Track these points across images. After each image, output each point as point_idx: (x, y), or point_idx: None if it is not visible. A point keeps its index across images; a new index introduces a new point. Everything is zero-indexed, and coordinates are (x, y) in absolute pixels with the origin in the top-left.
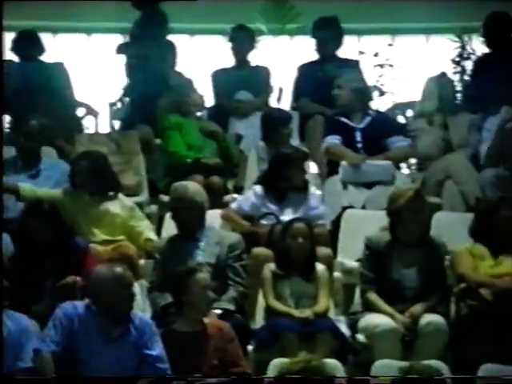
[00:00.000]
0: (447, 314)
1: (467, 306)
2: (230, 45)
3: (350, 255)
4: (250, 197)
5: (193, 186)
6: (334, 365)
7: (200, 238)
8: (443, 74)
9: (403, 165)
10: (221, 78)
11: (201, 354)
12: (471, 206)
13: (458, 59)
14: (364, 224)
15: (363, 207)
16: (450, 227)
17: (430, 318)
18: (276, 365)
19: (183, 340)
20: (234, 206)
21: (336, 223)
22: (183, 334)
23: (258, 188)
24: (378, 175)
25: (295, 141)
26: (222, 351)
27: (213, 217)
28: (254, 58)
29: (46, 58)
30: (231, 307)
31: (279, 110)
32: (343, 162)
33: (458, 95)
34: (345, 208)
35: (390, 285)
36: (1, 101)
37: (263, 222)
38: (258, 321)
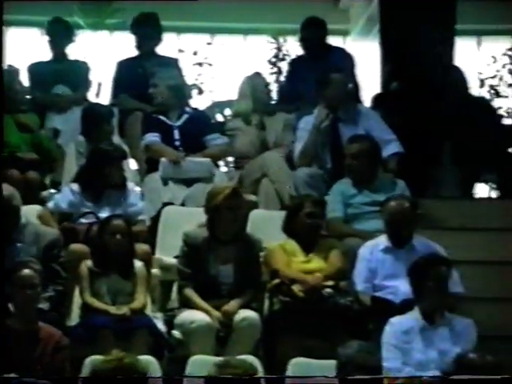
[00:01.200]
0: (261, 310)
1: (280, 302)
2: (46, 38)
3: (168, 252)
4: (67, 195)
5: (7, 189)
6: (148, 361)
7: (17, 237)
8: (257, 74)
9: (222, 163)
10: (37, 71)
11: (28, 355)
12: (285, 204)
13: (274, 60)
14: (183, 221)
15: (183, 204)
16: (266, 224)
17: (245, 314)
18: (90, 362)
19: (15, 337)
20: (51, 204)
21: (156, 220)
22: (14, 330)
23: (75, 185)
24: (197, 172)
25: (116, 137)
26: (49, 357)
27: (29, 213)
28: (73, 51)
29: None
30: (45, 307)
31: (101, 105)
32: (163, 159)
33: (274, 95)
34: (164, 205)
35: (206, 281)
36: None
37: (82, 220)
38: (74, 318)
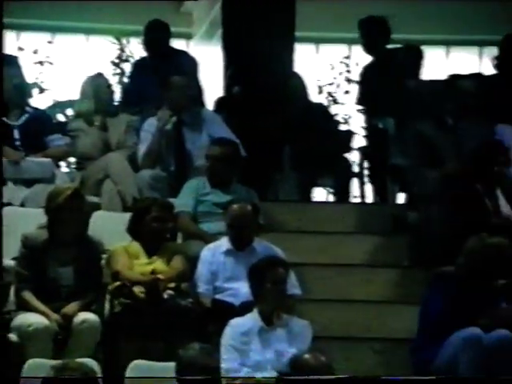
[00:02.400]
0: (102, 312)
1: (120, 304)
2: None
3: (7, 253)
4: None
5: None
6: None
7: None
8: (99, 75)
9: (63, 163)
10: None
11: None
12: (128, 206)
13: (116, 61)
14: (23, 222)
15: (22, 205)
16: (108, 226)
17: (84, 316)
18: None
19: None
20: None
21: None
22: None
23: None
24: (37, 173)
25: None
26: None
27: None
28: None
29: None
30: None
31: None
32: (2, 159)
33: (117, 96)
34: (3, 205)
35: (45, 283)
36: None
37: None
38: None
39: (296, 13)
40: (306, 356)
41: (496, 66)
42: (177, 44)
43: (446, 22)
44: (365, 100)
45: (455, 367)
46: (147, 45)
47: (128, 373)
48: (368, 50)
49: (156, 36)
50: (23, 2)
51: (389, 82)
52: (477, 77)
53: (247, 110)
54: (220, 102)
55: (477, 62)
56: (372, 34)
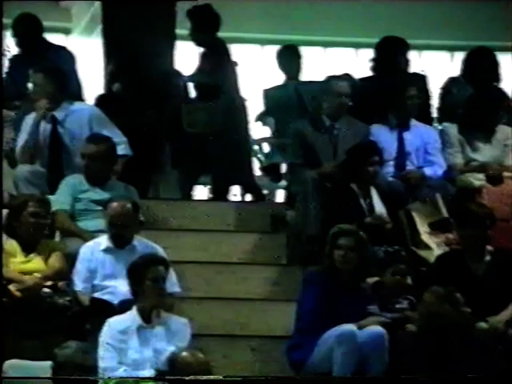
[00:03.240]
0: None
1: None
2: None
3: None
4: None
5: None
6: None
7: None
8: None
9: None
10: None
11: None
12: (3, 203)
13: None
14: None
15: None
16: None
17: None
18: None
19: None
20: None
21: None
22: None
23: None
24: None
25: None
26: None
27: None
28: None
29: None
30: None
31: None
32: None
33: None
34: None
35: None
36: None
37: None
38: None
39: (177, 10)
40: (184, 354)
41: (372, 68)
42: (55, 39)
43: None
44: None
45: (329, 363)
46: (16, 39)
47: (4, 372)
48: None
49: (25, 30)
50: None
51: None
52: (352, 78)
53: (127, 107)
54: (101, 99)
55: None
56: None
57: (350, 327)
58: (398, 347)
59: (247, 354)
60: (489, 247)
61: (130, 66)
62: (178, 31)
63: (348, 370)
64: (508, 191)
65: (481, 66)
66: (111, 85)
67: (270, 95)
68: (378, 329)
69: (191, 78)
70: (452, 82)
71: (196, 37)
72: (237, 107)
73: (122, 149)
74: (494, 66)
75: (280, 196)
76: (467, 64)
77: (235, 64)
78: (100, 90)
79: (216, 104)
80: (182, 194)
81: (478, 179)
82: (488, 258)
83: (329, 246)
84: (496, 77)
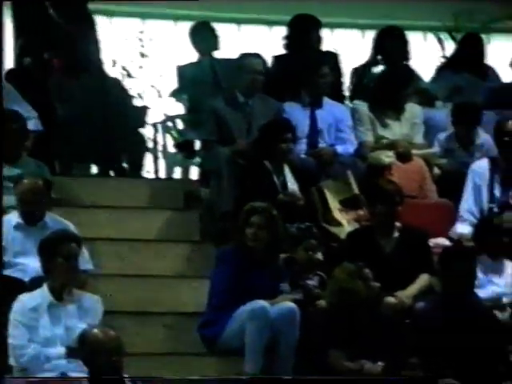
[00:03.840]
0: None
1: None
2: None
3: None
4: None
5: None
6: None
7: None
8: None
9: None
10: None
11: None
12: None
13: None
14: None
15: None
16: None
17: None
18: None
19: None
20: None
21: None
22: None
23: None
24: None
25: None
26: None
27: None
28: None
29: None
30: None
31: None
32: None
33: None
34: None
35: None
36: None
37: None
38: None
39: None
40: (95, 331)
41: (285, 46)
42: None
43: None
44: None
45: (241, 339)
46: None
47: None
48: None
49: None
50: None
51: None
52: (265, 55)
53: (37, 82)
54: (10, 74)
55: None
56: None
57: (261, 303)
58: (309, 323)
59: (159, 331)
60: (397, 224)
61: (40, 41)
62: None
63: (259, 346)
64: (416, 168)
65: (391, 45)
66: (21, 59)
67: (184, 72)
68: (290, 305)
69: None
70: (363, 60)
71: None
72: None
73: (33, 124)
74: (404, 44)
75: (193, 173)
76: (378, 43)
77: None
78: (10, 64)
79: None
80: (96, 170)
81: (387, 156)
82: (396, 234)
83: (241, 224)
84: (405, 55)
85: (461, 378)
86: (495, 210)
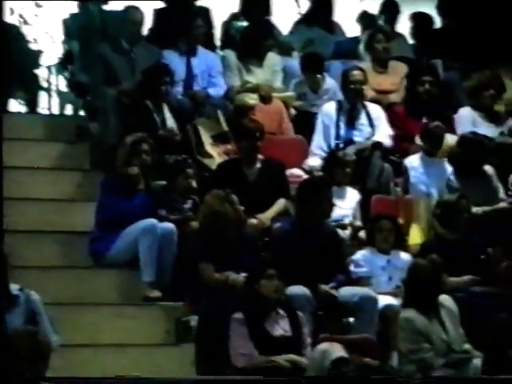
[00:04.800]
0: None
1: None
2: None
3: None
4: None
5: None
6: None
7: None
8: None
9: None
10: None
11: None
12: None
13: None
14: None
15: None
16: None
17: None
18: None
19: None
20: None
21: None
22: None
23: None
24: None
25: None
26: None
27: None
28: None
29: None
30: None
31: None
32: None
33: None
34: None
35: None
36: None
37: None
38: None
39: None
40: None
41: (165, 1)
42: None
43: None
44: None
45: (129, 255)
46: None
47: None
48: None
49: None
50: None
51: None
52: (147, 9)
53: None
54: None
55: None
56: None
57: (152, 221)
58: (185, 241)
59: (53, 248)
60: (260, 156)
61: None
62: None
63: (152, 258)
64: (276, 109)
65: (254, 1)
66: None
67: (73, 19)
68: (170, 225)
69: None
70: (231, 15)
71: None
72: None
73: None
74: (265, 1)
75: (84, 110)
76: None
77: None
78: None
79: None
80: None
81: (251, 98)
82: (259, 165)
83: (125, 154)
84: (266, 11)
85: (309, 283)
86: (341, 145)
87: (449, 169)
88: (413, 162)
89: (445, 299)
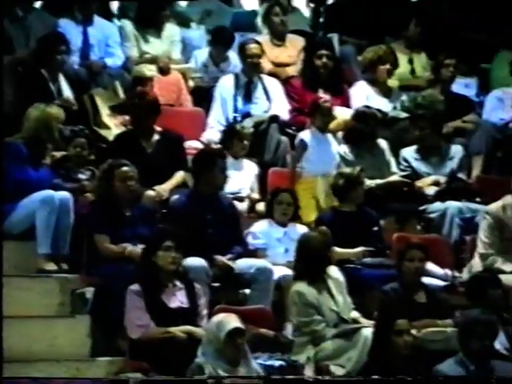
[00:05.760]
0: None
1: None
2: None
3: None
4: None
5: None
6: None
7: None
8: None
9: None
10: None
11: None
12: None
13: None
14: None
15: None
16: None
17: None
18: None
19: None
20: None
21: None
22: None
23: None
24: None
25: None
26: None
27: None
28: None
29: None
30: None
31: None
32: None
33: None
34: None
35: None
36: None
37: None
38: None
39: None
40: None
41: None
42: None
43: None
44: None
45: (28, 224)
46: None
47: None
48: None
49: None
50: None
51: None
52: None
53: None
54: None
55: None
56: None
57: (50, 192)
58: (81, 212)
59: None
60: (157, 128)
61: None
62: None
63: (49, 229)
64: (174, 81)
65: None
66: None
67: None
68: (66, 194)
69: None
70: None
71: None
72: None
73: None
74: None
75: None
76: None
77: None
78: None
79: None
80: None
81: (149, 70)
82: (157, 137)
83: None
84: None
85: (206, 254)
86: (238, 118)
87: (339, 143)
88: (304, 137)
89: (331, 269)
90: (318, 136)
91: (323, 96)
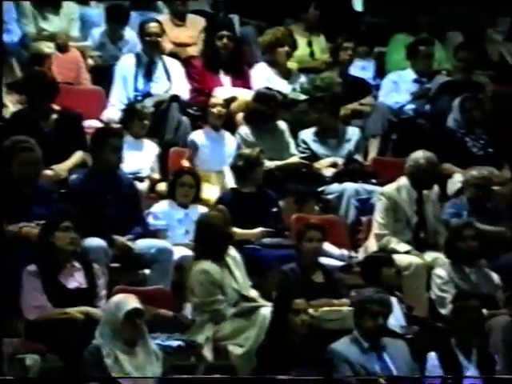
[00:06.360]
0: None
1: None
2: None
3: None
4: None
5: None
6: None
7: None
8: None
9: None
10: None
11: None
12: None
13: None
14: None
15: None
16: None
17: None
18: None
19: None
20: None
21: None
22: None
23: None
24: None
25: None
26: None
27: None
28: None
29: None
30: None
31: None
32: None
33: None
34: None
35: None
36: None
37: None
38: None
39: None
40: None
41: None
42: None
43: None
44: None
45: None
46: None
47: None
48: None
49: None
50: None
51: None
52: None
53: None
54: None
55: None
56: None
57: None
58: None
59: None
60: (56, 107)
61: None
62: None
63: None
64: (73, 58)
65: None
66: None
67: None
68: None
69: None
70: None
71: None
72: None
73: None
74: None
75: None
76: None
77: None
78: None
79: None
80: None
81: (48, 47)
82: (55, 116)
83: None
84: None
85: (106, 235)
86: (139, 98)
87: (232, 139)
88: (195, 137)
89: (228, 248)
90: (211, 135)
91: (215, 96)
